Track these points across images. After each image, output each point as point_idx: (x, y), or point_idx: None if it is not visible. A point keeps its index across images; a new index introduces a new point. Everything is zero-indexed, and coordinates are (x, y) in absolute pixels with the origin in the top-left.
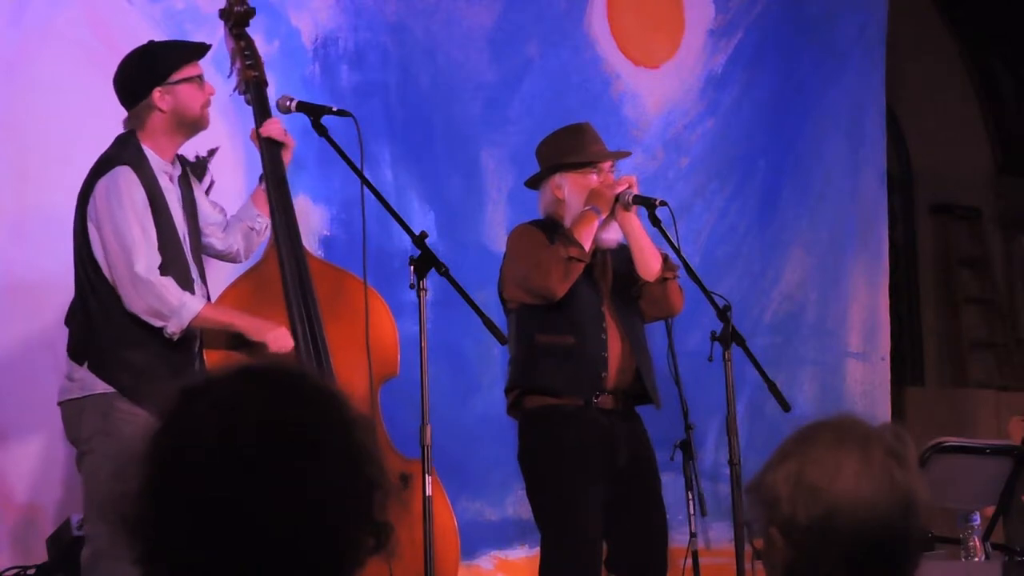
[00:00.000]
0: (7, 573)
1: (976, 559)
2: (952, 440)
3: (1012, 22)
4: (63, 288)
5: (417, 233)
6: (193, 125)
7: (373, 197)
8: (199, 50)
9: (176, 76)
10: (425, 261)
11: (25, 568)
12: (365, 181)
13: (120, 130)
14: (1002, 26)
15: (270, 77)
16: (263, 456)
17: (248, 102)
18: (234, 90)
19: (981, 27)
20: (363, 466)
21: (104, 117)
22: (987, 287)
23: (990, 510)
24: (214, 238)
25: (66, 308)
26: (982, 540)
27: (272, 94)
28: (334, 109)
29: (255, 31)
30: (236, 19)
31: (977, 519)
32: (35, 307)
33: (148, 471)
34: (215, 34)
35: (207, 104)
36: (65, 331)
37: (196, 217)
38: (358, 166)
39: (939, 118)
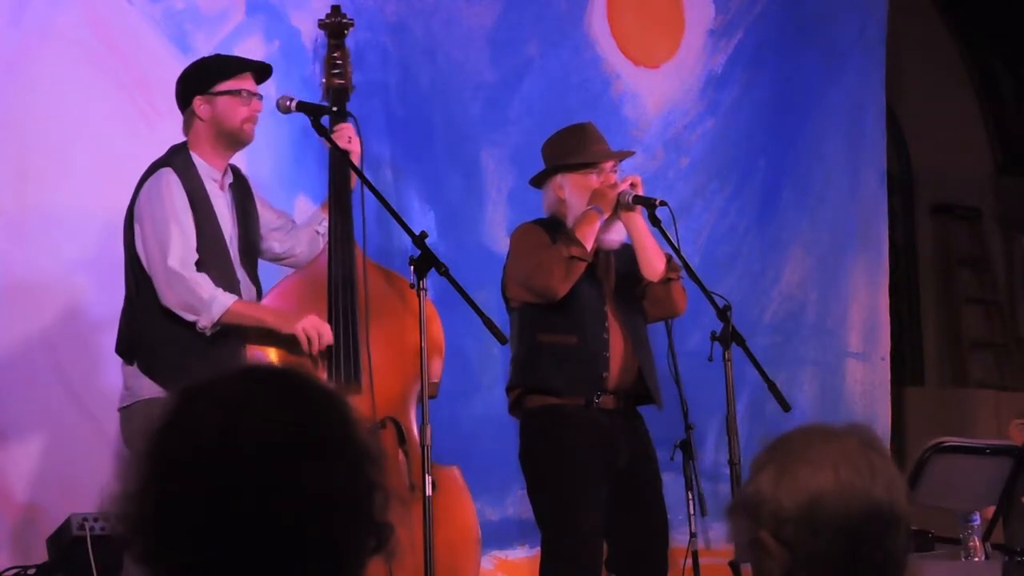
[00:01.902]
0: (7, 573)
1: (976, 559)
2: (952, 440)
3: (1012, 22)
4: (63, 288)
5: (417, 233)
6: (232, 137)
7: (373, 197)
8: (249, 66)
9: (219, 87)
10: (425, 261)
11: (25, 568)
12: (365, 181)
13: (123, 130)
14: (1002, 26)
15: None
16: (264, 456)
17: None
18: (322, 98)
19: (981, 27)
20: (364, 467)
21: (104, 117)
22: (987, 287)
23: (990, 510)
24: (274, 242)
25: (66, 308)
26: (982, 540)
27: (272, 94)
28: (334, 109)
29: (255, 31)
30: (331, 30)
31: (977, 519)
32: (35, 307)
33: (149, 470)
34: (214, 35)
35: (249, 119)
36: (65, 330)
37: (251, 223)
38: (358, 166)
39: (939, 118)
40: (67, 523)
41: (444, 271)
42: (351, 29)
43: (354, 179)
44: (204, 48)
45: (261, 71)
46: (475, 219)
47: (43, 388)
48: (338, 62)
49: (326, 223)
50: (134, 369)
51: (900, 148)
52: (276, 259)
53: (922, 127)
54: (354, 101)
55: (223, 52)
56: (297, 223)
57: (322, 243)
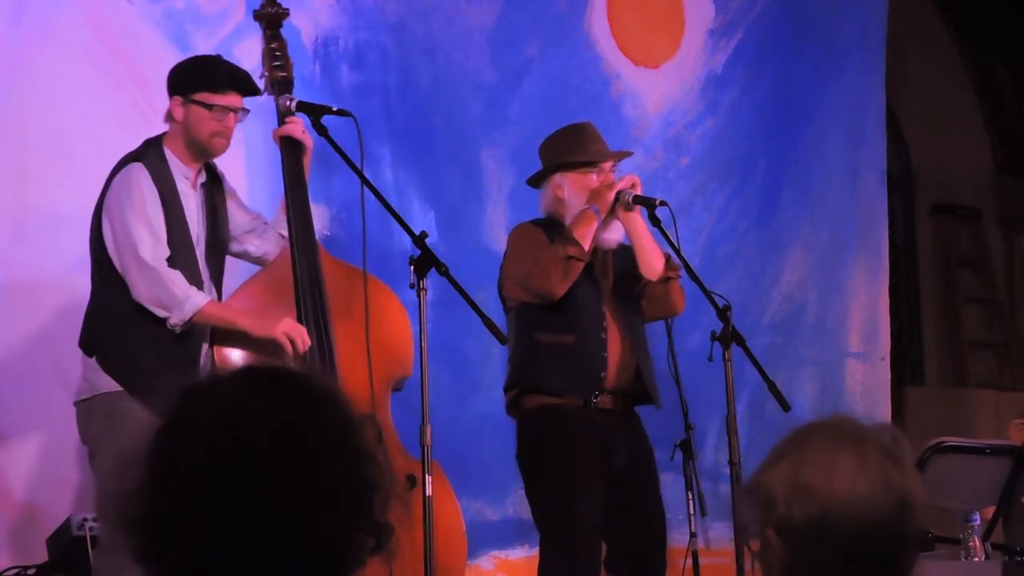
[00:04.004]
0: (7, 573)
1: (976, 559)
2: (952, 440)
3: (1012, 22)
4: (63, 288)
5: (417, 233)
6: (199, 147)
7: (373, 197)
8: (237, 85)
9: (197, 96)
10: (425, 261)
11: (25, 568)
12: (365, 181)
13: (123, 129)
14: (1002, 26)
15: None
16: (263, 456)
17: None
18: (263, 91)
19: (981, 27)
20: (364, 466)
21: (104, 117)
22: (987, 287)
23: (990, 510)
24: (250, 244)
25: (66, 307)
26: (982, 540)
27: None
28: (334, 109)
29: (255, 30)
30: (268, 20)
31: (977, 519)
32: (35, 307)
33: (149, 470)
34: (215, 35)
35: (219, 135)
36: (66, 331)
37: (221, 224)
38: (358, 166)
39: (939, 118)
40: (67, 523)
41: (444, 271)
42: (287, 19)
43: (306, 175)
44: (204, 48)
45: (249, 90)
46: (475, 219)
47: (43, 388)
48: (277, 53)
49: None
50: (93, 362)
51: (900, 148)
52: (255, 262)
53: (922, 127)
54: (354, 101)
55: (223, 52)
56: (268, 224)
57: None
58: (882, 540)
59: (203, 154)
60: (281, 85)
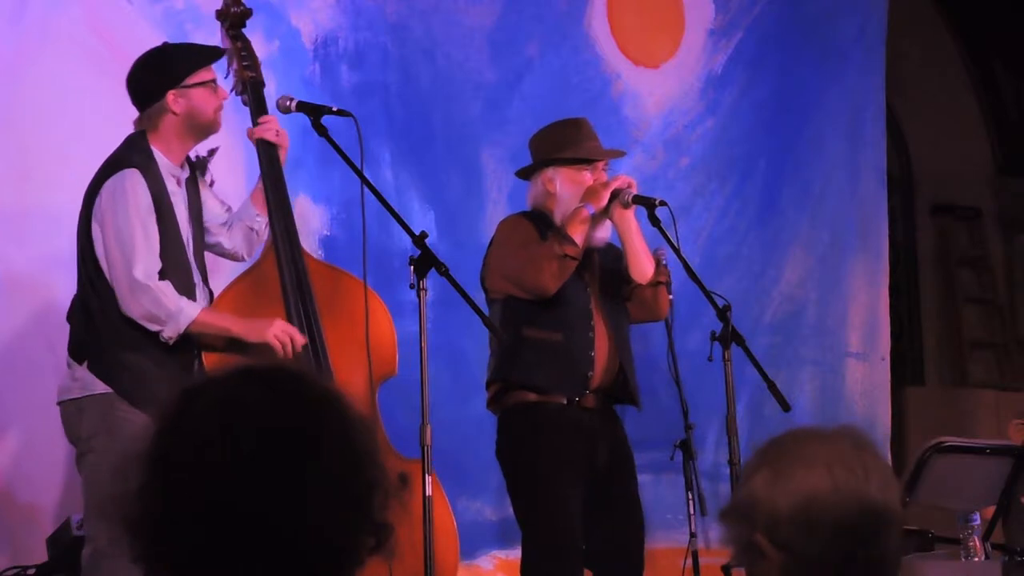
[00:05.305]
0: (7, 573)
1: (976, 559)
2: (952, 440)
3: (1012, 22)
4: (63, 287)
5: (417, 233)
6: (205, 129)
7: (373, 197)
8: (215, 54)
9: (191, 79)
10: (425, 261)
11: (25, 568)
12: (365, 181)
13: (123, 130)
14: (1002, 26)
15: (270, 77)
16: (263, 456)
17: (245, 103)
18: (231, 90)
19: (981, 27)
20: (363, 466)
21: (104, 117)
22: (987, 287)
23: (990, 510)
24: (222, 237)
25: (65, 307)
26: (982, 540)
27: (272, 94)
28: (334, 109)
29: (255, 31)
30: (232, 20)
31: (977, 519)
32: (35, 306)
33: (149, 470)
34: (215, 34)
35: (220, 108)
36: (66, 331)
37: (201, 219)
38: (358, 166)
39: (939, 118)
40: (67, 523)
41: (444, 271)
42: (250, 18)
43: (282, 177)
44: None
45: (217, 57)
46: (475, 219)
47: (43, 388)
48: (243, 53)
49: (260, 220)
50: (83, 366)
51: (900, 148)
52: (224, 255)
53: (922, 127)
54: (354, 101)
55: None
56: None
57: (257, 240)
58: (870, 524)
59: (206, 135)
60: (252, 85)
